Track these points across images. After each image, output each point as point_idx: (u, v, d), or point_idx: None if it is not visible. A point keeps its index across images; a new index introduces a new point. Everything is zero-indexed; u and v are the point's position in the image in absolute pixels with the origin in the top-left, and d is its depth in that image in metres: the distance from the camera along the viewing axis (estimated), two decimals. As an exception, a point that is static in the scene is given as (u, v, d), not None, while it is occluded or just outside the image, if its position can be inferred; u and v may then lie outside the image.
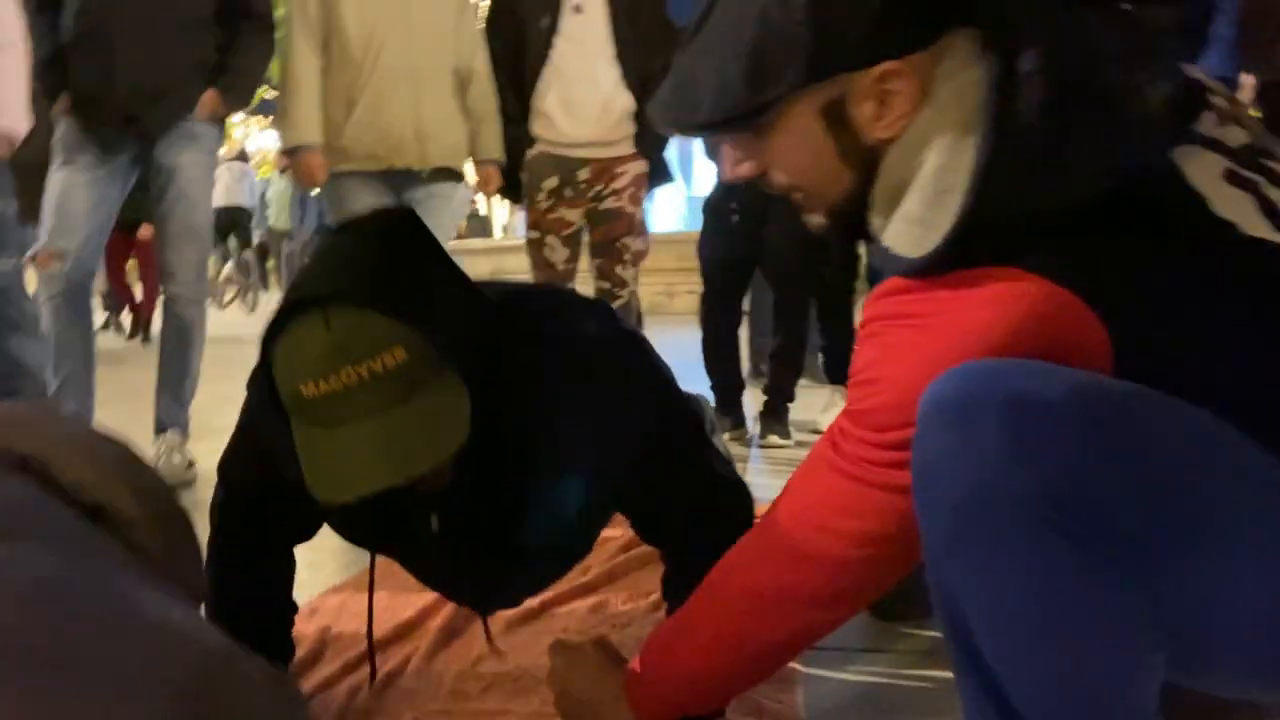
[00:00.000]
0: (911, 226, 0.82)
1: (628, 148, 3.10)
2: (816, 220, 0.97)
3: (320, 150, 2.84)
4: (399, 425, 0.96)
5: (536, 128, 3.06)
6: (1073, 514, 0.69)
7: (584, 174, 3.06)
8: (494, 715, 1.30)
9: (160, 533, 0.99)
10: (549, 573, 1.43)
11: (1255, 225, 0.78)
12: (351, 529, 1.28)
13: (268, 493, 1.23)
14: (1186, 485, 0.72)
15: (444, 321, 0.99)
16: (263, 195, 11.13)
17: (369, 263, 1.00)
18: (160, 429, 2.88)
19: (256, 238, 11.36)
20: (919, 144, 0.84)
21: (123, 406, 3.20)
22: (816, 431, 3.43)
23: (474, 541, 1.20)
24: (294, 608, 1.39)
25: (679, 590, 1.20)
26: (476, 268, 13.01)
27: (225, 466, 1.31)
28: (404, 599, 1.75)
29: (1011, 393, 0.71)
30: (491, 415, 1.04)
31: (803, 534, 0.90)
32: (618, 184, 3.09)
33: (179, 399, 2.90)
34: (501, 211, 14.83)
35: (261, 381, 1.06)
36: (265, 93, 4.69)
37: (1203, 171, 0.79)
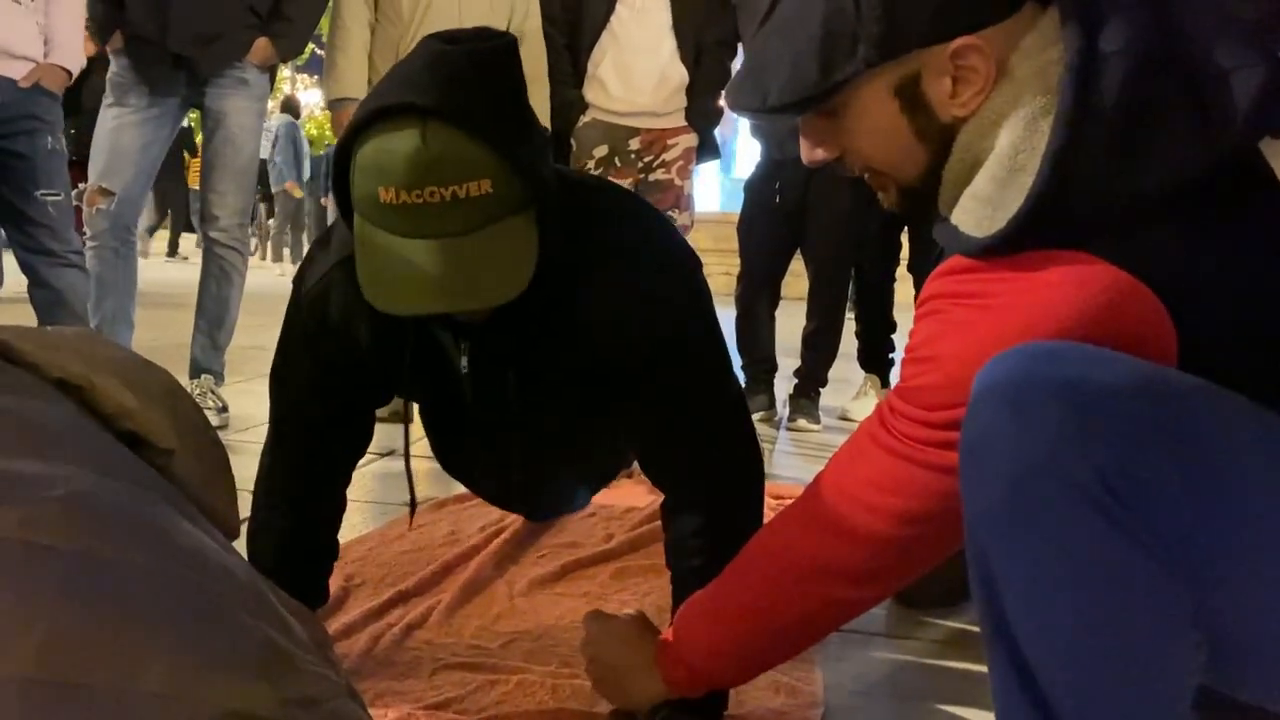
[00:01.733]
0: (980, 205, 0.80)
1: (679, 120, 3.08)
2: (890, 200, 0.95)
3: None
4: (469, 255, 0.97)
5: (589, 94, 3.05)
6: (1123, 503, 0.67)
7: (634, 144, 3.05)
8: (512, 672, 1.30)
9: (197, 465, 0.99)
10: (569, 468, 1.45)
11: None
12: (385, 358, 1.25)
13: (322, 377, 1.25)
14: (1240, 488, 0.70)
15: (531, 163, 1.00)
16: (275, 144, 10.44)
17: (474, 85, 0.99)
18: (195, 373, 2.91)
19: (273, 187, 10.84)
20: (993, 122, 0.82)
21: (159, 348, 3.23)
22: (846, 418, 3.41)
23: (498, 384, 1.21)
24: (334, 553, 1.40)
25: (679, 555, 1.20)
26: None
27: (277, 370, 1.30)
28: (429, 553, 1.76)
29: (1070, 376, 0.69)
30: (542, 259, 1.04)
31: (844, 509, 0.89)
32: (668, 155, 3.08)
33: (216, 343, 2.92)
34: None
35: (335, 186, 1.05)
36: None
37: None
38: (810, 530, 0.93)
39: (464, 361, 1.19)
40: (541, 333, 1.17)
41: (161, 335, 3.61)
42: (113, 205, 2.73)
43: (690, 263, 1.25)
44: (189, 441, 1.00)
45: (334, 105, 2.88)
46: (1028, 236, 0.77)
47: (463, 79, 0.99)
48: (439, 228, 0.96)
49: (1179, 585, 0.69)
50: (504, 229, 0.99)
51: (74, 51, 2.78)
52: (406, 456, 1.39)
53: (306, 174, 11.07)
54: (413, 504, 1.43)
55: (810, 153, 0.94)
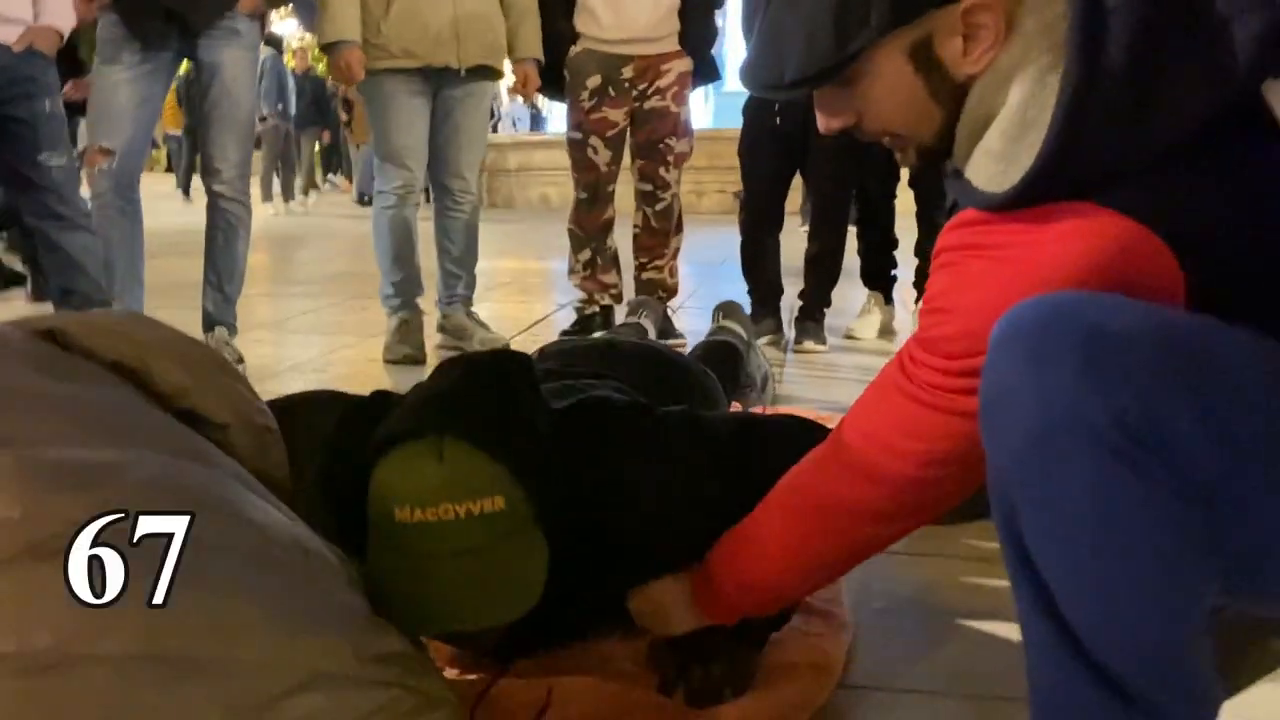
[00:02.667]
0: (993, 161, 0.82)
1: (672, 44, 3.05)
2: (908, 160, 0.97)
3: (358, 47, 2.82)
4: (480, 575, 0.97)
5: (580, 24, 3.02)
6: (1142, 445, 0.70)
7: (628, 72, 3.03)
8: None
9: (251, 437, 1.04)
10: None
11: None
12: None
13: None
14: (1259, 422, 0.72)
15: (543, 480, 1.01)
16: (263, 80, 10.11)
17: (488, 407, 1.01)
18: (209, 325, 2.94)
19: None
20: (1004, 78, 0.83)
21: (169, 300, 3.25)
22: (851, 337, 3.44)
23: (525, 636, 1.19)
24: None
25: None
26: (506, 162, 12.70)
27: None
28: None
29: (1087, 323, 0.71)
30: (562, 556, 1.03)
31: (869, 453, 0.93)
32: (662, 82, 3.05)
33: (227, 295, 2.95)
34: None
35: (341, 483, 1.04)
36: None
37: None
38: (837, 472, 0.97)
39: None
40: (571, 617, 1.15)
41: (164, 279, 3.63)
42: (114, 164, 2.73)
43: (693, 446, 1.21)
44: (241, 415, 1.05)
45: (329, 49, 2.86)
46: (1039, 191, 0.79)
47: (475, 399, 1.01)
48: (452, 546, 0.96)
49: (1198, 522, 0.71)
50: (516, 547, 0.99)
51: (64, 11, 2.75)
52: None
53: (292, 109, 10.92)
54: None
55: (826, 123, 0.95)
